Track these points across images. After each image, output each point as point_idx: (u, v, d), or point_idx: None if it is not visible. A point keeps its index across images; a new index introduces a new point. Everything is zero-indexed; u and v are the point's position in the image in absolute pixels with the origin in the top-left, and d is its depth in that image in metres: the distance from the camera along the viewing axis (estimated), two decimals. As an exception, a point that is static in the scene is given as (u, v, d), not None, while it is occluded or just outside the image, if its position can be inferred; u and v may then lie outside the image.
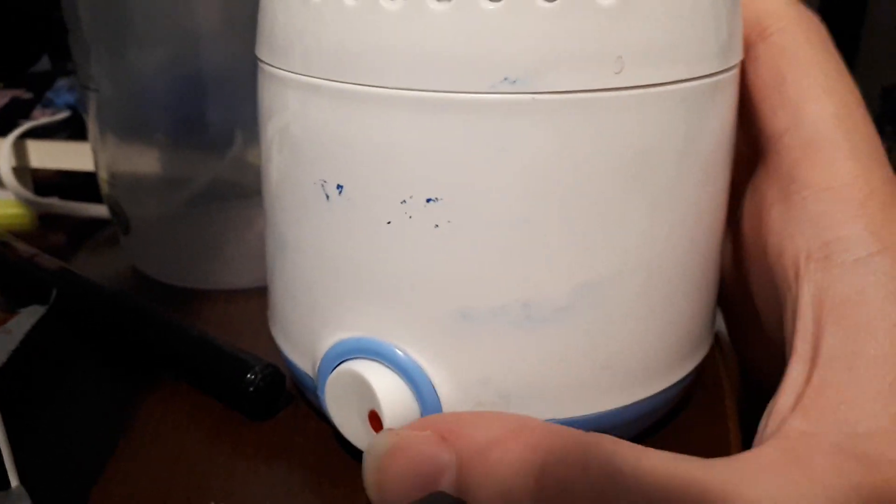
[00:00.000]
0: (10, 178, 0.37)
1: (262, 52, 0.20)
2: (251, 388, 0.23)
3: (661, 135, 0.17)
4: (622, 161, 0.17)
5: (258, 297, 0.31)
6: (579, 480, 0.16)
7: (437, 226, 0.18)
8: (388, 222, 0.18)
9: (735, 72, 0.19)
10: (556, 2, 0.16)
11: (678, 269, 0.19)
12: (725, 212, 0.21)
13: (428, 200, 0.18)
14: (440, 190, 0.17)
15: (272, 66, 0.19)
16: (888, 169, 0.19)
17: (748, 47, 0.21)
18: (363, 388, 0.19)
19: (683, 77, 0.17)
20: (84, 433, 0.24)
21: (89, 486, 0.21)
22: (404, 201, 0.18)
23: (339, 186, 0.18)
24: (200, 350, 0.26)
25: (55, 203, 0.38)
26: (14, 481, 0.18)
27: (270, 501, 0.21)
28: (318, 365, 0.20)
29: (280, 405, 0.24)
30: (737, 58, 0.19)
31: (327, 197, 0.19)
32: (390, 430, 0.18)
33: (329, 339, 0.20)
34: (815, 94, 0.20)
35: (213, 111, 0.31)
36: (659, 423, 0.22)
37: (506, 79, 0.16)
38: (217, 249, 0.33)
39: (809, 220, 0.19)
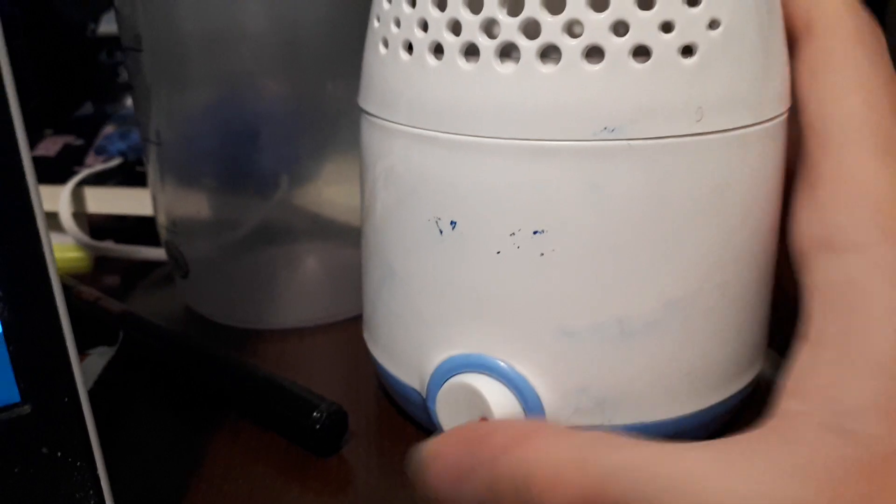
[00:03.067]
0: (69, 223, 0.38)
1: (370, 105, 0.23)
2: (318, 426, 0.24)
3: (733, 171, 0.20)
4: (701, 195, 0.20)
5: (310, 335, 0.33)
6: (575, 475, 0.17)
7: (542, 254, 0.20)
8: (498, 252, 0.20)
9: (786, 116, 0.22)
10: (646, 63, 0.19)
11: (747, 285, 0.22)
12: (776, 232, 0.23)
13: (534, 232, 0.20)
14: (545, 223, 0.20)
15: (385, 119, 0.22)
16: None
17: (793, 42, 0.21)
18: (474, 397, 0.21)
19: (750, 122, 0.20)
20: (156, 472, 0.24)
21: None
22: (513, 234, 0.20)
23: (453, 223, 0.21)
24: (266, 390, 0.27)
25: (111, 247, 0.39)
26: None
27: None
28: (427, 380, 0.23)
29: (342, 442, 0.25)
30: (787, 104, 0.21)
31: (441, 232, 0.21)
32: (429, 439, 0.20)
33: (439, 357, 0.22)
34: (843, 88, 0.20)
35: (262, 156, 0.32)
36: (724, 426, 0.24)
37: (605, 128, 0.19)
38: (269, 289, 0.34)
39: (816, 208, 0.20)
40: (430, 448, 0.20)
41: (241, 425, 0.26)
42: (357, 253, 0.26)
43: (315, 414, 0.24)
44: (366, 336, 0.26)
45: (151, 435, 0.26)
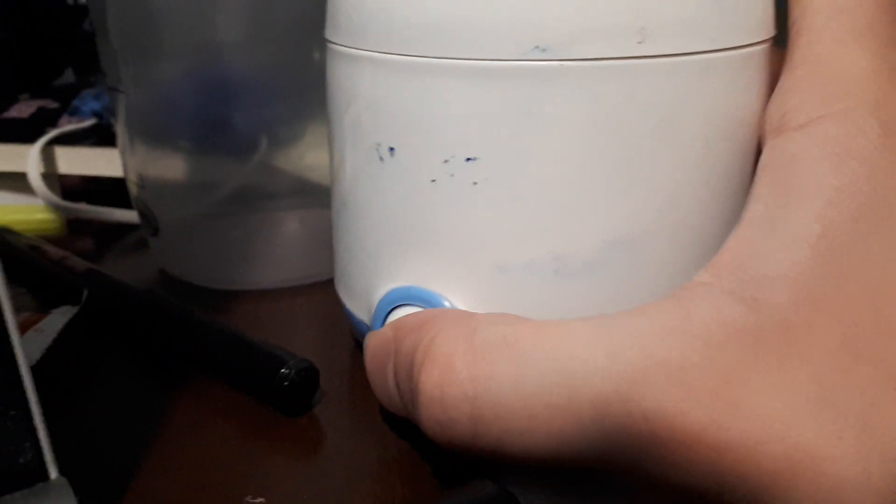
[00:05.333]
0: (38, 184, 0.37)
1: (328, 32, 0.23)
2: (286, 383, 0.24)
3: (684, 102, 0.19)
4: (647, 126, 0.19)
5: (286, 297, 0.32)
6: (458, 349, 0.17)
7: (475, 183, 0.19)
8: (433, 180, 0.20)
9: (765, 47, 0.20)
10: (582, -24, 0.18)
11: (703, 230, 0.20)
12: (750, 174, 0.22)
13: (467, 159, 0.19)
14: (478, 150, 0.19)
15: (334, 42, 0.22)
16: (890, 53, 0.18)
17: None
18: None
19: (705, 49, 0.19)
20: (119, 430, 0.24)
21: (126, 481, 0.21)
22: (447, 161, 0.19)
23: (391, 149, 0.20)
24: (233, 347, 0.26)
25: (84, 208, 0.38)
26: (54, 473, 0.17)
27: (307, 496, 0.21)
28: (373, 312, 0.22)
29: (314, 401, 0.25)
30: (765, 34, 0.20)
31: (381, 159, 0.21)
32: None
33: (383, 289, 0.22)
34: None
35: (238, 116, 0.32)
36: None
37: (536, 47, 0.18)
38: (245, 251, 0.33)
39: (778, 93, 0.19)
40: (367, 337, 0.21)
41: (207, 384, 0.25)
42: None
43: (283, 370, 0.23)
44: (335, 274, 0.26)
45: (112, 394, 0.25)
